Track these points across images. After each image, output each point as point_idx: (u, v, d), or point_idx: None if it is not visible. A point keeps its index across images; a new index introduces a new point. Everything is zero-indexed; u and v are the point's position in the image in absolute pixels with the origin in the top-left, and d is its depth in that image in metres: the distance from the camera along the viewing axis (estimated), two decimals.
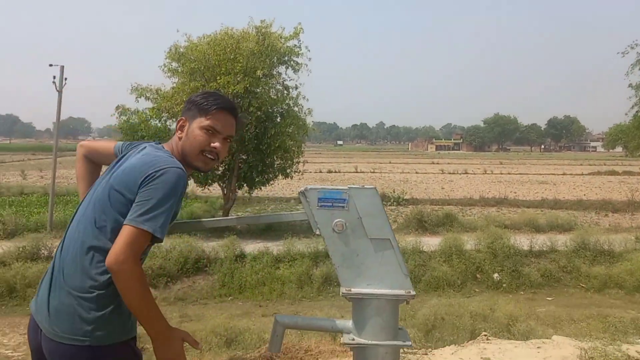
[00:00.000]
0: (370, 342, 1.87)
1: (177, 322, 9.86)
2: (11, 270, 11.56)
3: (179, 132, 2.01)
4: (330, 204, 1.89)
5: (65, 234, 1.95)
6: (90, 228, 1.83)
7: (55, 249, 2.00)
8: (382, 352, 1.87)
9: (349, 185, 1.90)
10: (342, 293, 1.89)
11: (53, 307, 1.81)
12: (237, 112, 2.11)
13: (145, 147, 2.03)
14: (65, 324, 1.77)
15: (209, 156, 1.99)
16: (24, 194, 24.54)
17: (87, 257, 1.80)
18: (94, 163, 2.25)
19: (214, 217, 19.66)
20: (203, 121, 1.96)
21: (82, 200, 2.02)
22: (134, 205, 1.75)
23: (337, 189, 1.90)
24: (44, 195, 22.63)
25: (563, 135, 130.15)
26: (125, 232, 1.70)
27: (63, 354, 1.78)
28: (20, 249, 12.54)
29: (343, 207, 1.89)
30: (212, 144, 1.97)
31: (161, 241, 1.78)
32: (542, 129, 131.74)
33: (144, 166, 1.83)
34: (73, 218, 1.96)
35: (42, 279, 1.95)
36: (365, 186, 1.89)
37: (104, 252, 1.77)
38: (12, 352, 8.68)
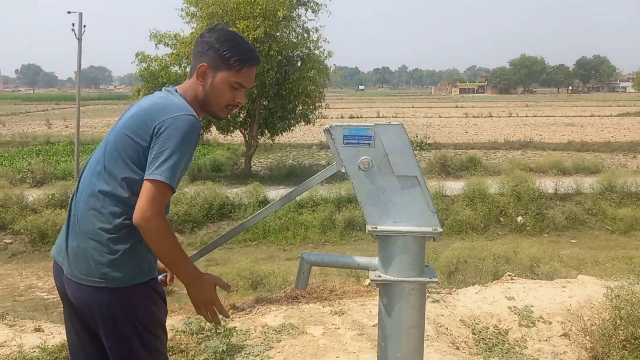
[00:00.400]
0: (396, 278, 1.86)
1: (204, 265, 10.11)
2: (42, 217, 11.92)
3: (200, 79, 1.90)
4: (356, 141, 1.84)
5: (80, 178, 1.95)
6: (101, 173, 1.82)
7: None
8: (408, 288, 1.86)
9: (375, 122, 1.85)
10: (368, 230, 1.87)
11: (70, 250, 1.84)
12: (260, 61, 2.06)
13: (158, 92, 1.97)
14: (82, 265, 1.80)
15: (232, 109, 1.97)
16: (50, 143, 24.99)
17: (97, 202, 1.80)
18: None
19: (236, 164, 19.82)
20: (232, 77, 1.89)
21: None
22: (150, 157, 1.73)
23: (363, 126, 1.85)
24: (70, 144, 23.00)
25: (592, 75, 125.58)
26: (147, 188, 1.70)
27: (83, 294, 1.82)
28: (50, 197, 12.88)
29: (369, 144, 1.84)
30: (237, 100, 1.94)
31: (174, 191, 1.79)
32: (570, 69, 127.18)
33: (156, 111, 1.79)
34: (87, 163, 1.95)
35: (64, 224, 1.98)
36: (391, 122, 1.84)
37: (114, 197, 1.78)
38: (47, 295, 9.06)
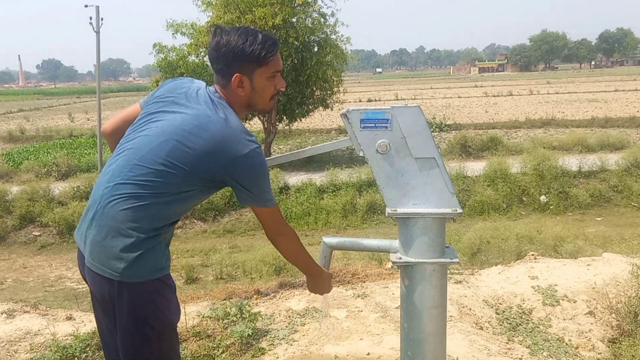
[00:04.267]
0: (417, 260, 1.88)
1: (228, 252, 10.25)
2: (69, 210, 12.16)
3: (240, 89, 1.88)
4: (373, 125, 1.85)
5: (110, 168, 1.89)
6: (136, 180, 1.79)
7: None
8: (429, 270, 1.88)
9: (391, 105, 1.85)
10: (388, 213, 1.88)
11: (90, 241, 1.84)
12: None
13: (210, 105, 1.86)
14: (101, 257, 1.80)
15: (275, 97, 1.99)
16: (73, 136, 25.36)
17: (135, 202, 1.78)
18: None
19: None
20: (266, 71, 1.89)
21: (129, 136, 1.92)
22: (253, 190, 1.85)
23: (379, 109, 1.85)
24: (92, 136, 23.31)
25: (615, 49, 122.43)
26: (267, 214, 1.93)
27: (98, 284, 1.84)
28: (75, 189, 13.12)
29: (386, 127, 1.84)
30: (278, 87, 1.96)
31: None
32: (593, 44, 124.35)
33: (222, 149, 1.78)
34: (122, 152, 1.88)
35: (86, 209, 1.95)
36: (408, 105, 1.84)
37: (144, 203, 1.77)
38: (76, 285, 9.27)
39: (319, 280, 2.17)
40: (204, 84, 1.97)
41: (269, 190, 1.90)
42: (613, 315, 3.65)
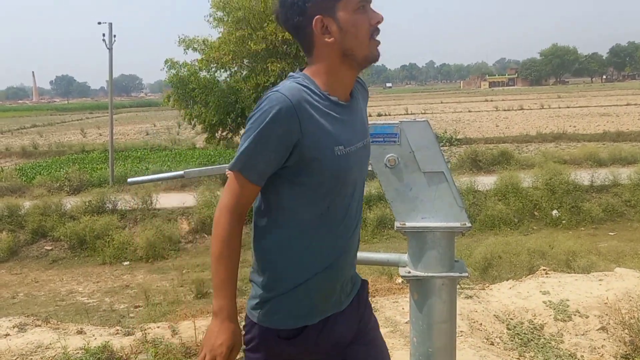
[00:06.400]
0: (426, 274, 1.88)
1: (240, 266, 10.24)
2: (80, 224, 12.23)
3: (326, 36, 1.51)
4: (382, 139, 1.87)
5: None
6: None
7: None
8: (438, 284, 1.88)
9: (400, 119, 1.87)
10: (397, 227, 1.89)
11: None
12: None
13: None
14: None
15: (376, 36, 1.56)
16: (85, 151, 25.60)
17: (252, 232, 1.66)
18: None
19: None
20: (348, 2, 1.49)
21: None
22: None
23: (388, 124, 1.87)
24: (104, 151, 23.51)
25: (627, 63, 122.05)
26: (229, 177, 1.51)
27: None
28: (87, 204, 13.21)
29: (395, 141, 1.86)
30: (373, 21, 1.53)
31: (257, 184, 1.51)
32: (604, 58, 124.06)
33: None
34: None
35: None
36: (416, 119, 1.86)
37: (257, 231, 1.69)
38: (87, 299, 9.30)
39: (217, 325, 1.51)
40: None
41: (247, 148, 1.45)
42: (626, 331, 3.61)
